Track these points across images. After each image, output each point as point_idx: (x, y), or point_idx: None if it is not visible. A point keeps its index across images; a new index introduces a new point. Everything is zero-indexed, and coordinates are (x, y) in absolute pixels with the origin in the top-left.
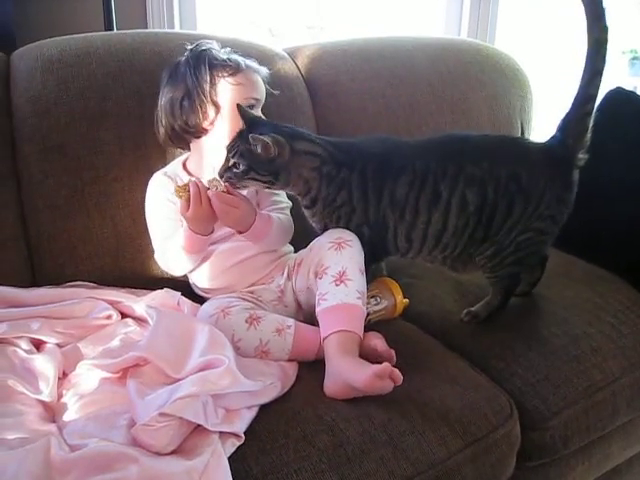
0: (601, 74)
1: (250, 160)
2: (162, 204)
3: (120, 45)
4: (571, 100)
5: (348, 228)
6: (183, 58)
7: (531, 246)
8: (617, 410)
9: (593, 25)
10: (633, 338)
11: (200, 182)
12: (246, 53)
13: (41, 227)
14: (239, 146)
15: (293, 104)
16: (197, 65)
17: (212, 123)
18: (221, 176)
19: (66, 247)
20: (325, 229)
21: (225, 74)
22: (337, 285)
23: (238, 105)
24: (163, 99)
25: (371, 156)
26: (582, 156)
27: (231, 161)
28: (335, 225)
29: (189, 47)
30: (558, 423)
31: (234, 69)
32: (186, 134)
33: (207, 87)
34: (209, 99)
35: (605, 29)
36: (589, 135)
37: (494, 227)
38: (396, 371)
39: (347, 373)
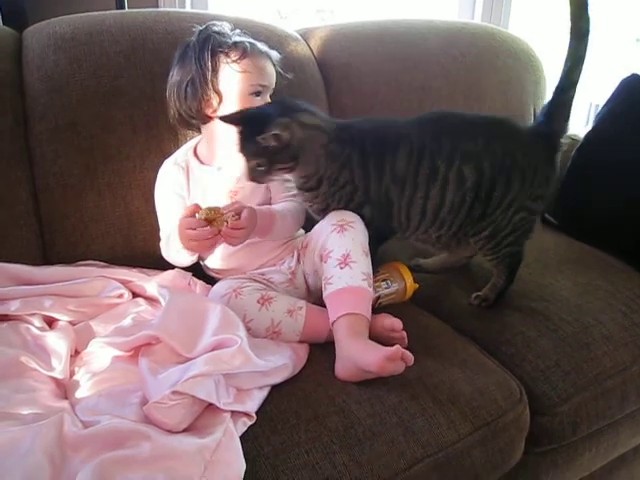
0: (583, 62)
1: (269, 155)
2: (170, 198)
3: (133, 24)
4: (554, 87)
5: (348, 208)
6: (193, 39)
7: (525, 225)
8: (626, 398)
9: (577, 15)
10: None
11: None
12: (258, 34)
13: (53, 206)
14: (249, 148)
15: (305, 86)
16: (201, 50)
17: (215, 111)
18: (251, 180)
19: (78, 226)
20: (326, 210)
21: (229, 60)
22: (342, 268)
23: (221, 117)
24: (171, 80)
25: (367, 132)
26: (564, 141)
27: (252, 163)
28: (337, 206)
29: (199, 28)
30: (567, 409)
31: (239, 55)
32: (192, 119)
33: (209, 75)
34: (211, 87)
35: (588, 20)
36: (570, 121)
37: (492, 204)
38: (407, 352)
39: (357, 356)
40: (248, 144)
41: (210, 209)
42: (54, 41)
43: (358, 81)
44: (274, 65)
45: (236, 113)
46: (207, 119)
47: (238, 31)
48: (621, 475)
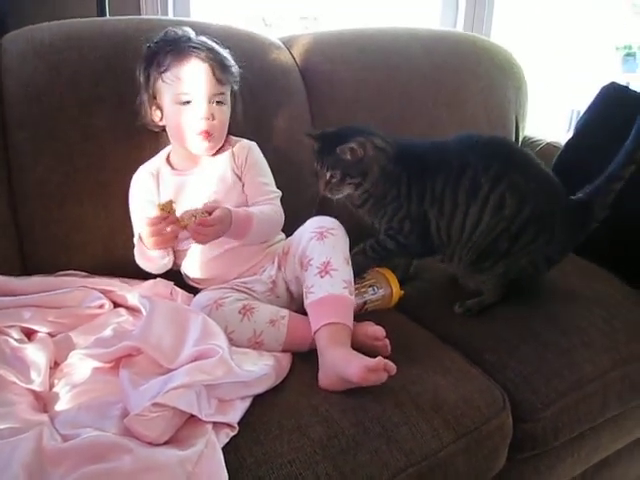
0: (636, 164)
1: (342, 168)
2: (141, 205)
3: (113, 31)
4: (604, 174)
5: (391, 222)
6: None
7: (526, 271)
8: (607, 403)
9: None
10: (625, 332)
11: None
12: (240, 42)
13: (32, 215)
14: (326, 161)
15: (288, 93)
16: (141, 60)
17: (162, 121)
18: (323, 192)
19: (58, 235)
20: (372, 225)
21: (159, 71)
22: (322, 277)
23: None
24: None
25: (414, 155)
26: (595, 224)
27: (327, 176)
28: (379, 221)
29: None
30: (549, 415)
31: (165, 67)
32: (155, 128)
33: (143, 89)
34: (152, 100)
35: None
36: (608, 210)
37: (518, 244)
38: (390, 363)
39: (339, 366)
40: (326, 157)
41: (165, 202)
42: (33, 48)
43: (340, 89)
44: (212, 68)
45: (317, 131)
46: (161, 128)
47: (195, 37)
48: (603, 479)
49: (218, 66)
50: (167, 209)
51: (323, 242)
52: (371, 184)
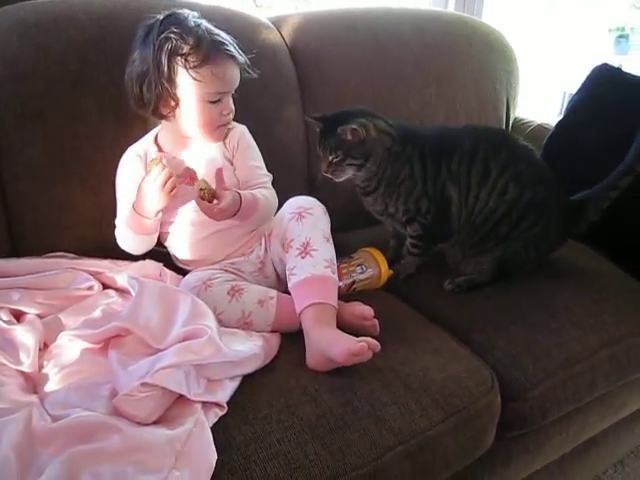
0: (633, 175)
1: (344, 149)
2: (127, 188)
3: (101, 11)
4: (602, 182)
5: (407, 204)
6: (156, 26)
7: (517, 256)
8: (595, 382)
9: None
10: (613, 313)
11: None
12: (230, 22)
13: (21, 196)
14: (329, 142)
15: (278, 74)
16: (159, 50)
17: (172, 112)
18: (325, 172)
19: (47, 217)
20: (385, 211)
21: (188, 66)
22: (303, 257)
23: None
24: (131, 66)
25: (425, 137)
26: (586, 225)
27: (329, 157)
28: (395, 204)
29: (162, 15)
30: (537, 394)
31: (198, 62)
32: (148, 112)
33: (165, 80)
34: (166, 90)
35: None
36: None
37: (519, 229)
38: (373, 341)
39: (325, 346)
40: (328, 138)
41: (152, 159)
42: (18, 27)
43: (330, 69)
44: (239, 65)
45: (319, 114)
46: (163, 117)
47: (204, 24)
48: (590, 457)
49: (236, 64)
50: (157, 162)
51: (302, 222)
52: (376, 167)
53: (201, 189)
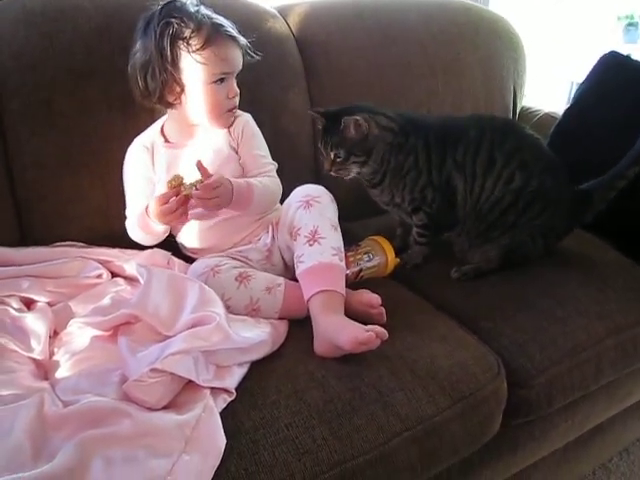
0: None
1: (346, 146)
2: (135, 178)
3: (107, 0)
4: (610, 171)
5: (413, 193)
6: (156, 15)
7: (524, 245)
8: (601, 370)
9: None
10: (619, 301)
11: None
12: (235, 11)
13: (29, 186)
14: (331, 139)
15: (284, 63)
16: (161, 36)
17: (177, 99)
18: (328, 170)
19: (55, 206)
20: (391, 201)
21: (190, 50)
22: (311, 245)
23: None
24: (134, 56)
25: (430, 126)
26: (592, 214)
27: (332, 155)
28: (401, 194)
29: (161, 5)
30: (543, 381)
31: (201, 44)
32: (154, 102)
33: (169, 65)
34: (171, 76)
35: None
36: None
37: (525, 217)
38: (381, 330)
39: (332, 333)
40: (330, 136)
41: (172, 178)
42: (24, 16)
43: (337, 58)
44: (241, 47)
45: (322, 109)
46: (169, 105)
47: (203, 9)
48: (596, 445)
49: (238, 45)
50: (177, 182)
51: (309, 210)
52: (378, 163)
53: (173, 186)
